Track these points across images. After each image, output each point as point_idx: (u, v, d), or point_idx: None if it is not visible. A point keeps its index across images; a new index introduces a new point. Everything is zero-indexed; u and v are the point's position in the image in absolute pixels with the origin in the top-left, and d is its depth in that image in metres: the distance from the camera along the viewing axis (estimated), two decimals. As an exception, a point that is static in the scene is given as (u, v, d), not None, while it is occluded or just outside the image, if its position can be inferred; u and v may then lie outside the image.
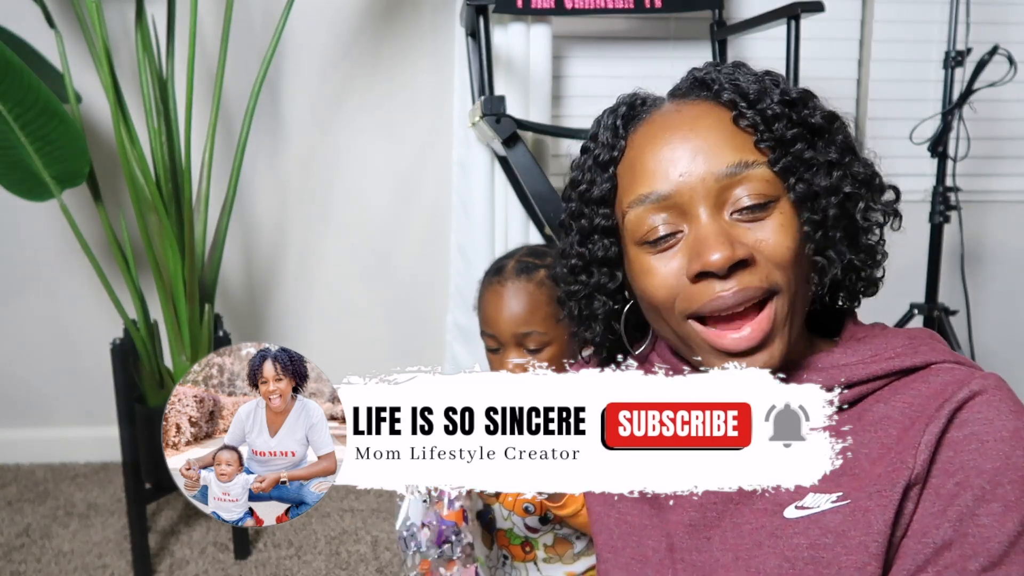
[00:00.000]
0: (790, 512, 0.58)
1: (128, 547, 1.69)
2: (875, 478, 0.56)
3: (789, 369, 0.62)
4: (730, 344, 0.58)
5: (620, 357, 0.76)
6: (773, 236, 0.58)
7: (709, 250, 0.56)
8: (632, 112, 0.66)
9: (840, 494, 0.57)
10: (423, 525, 0.85)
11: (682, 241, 0.60)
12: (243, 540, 1.67)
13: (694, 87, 0.64)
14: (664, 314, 0.62)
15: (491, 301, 1.11)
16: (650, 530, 0.67)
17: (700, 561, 0.62)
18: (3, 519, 1.86)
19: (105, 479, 2.09)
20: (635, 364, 0.76)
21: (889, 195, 0.64)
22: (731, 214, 0.59)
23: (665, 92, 0.67)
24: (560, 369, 1.17)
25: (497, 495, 1.02)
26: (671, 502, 0.65)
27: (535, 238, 1.99)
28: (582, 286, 0.70)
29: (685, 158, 0.59)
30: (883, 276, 0.66)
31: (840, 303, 0.68)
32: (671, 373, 0.70)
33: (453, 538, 0.85)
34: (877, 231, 0.63)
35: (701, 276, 0.58)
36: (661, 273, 0.61)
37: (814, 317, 0.68)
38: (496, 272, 1.13)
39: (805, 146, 0.60)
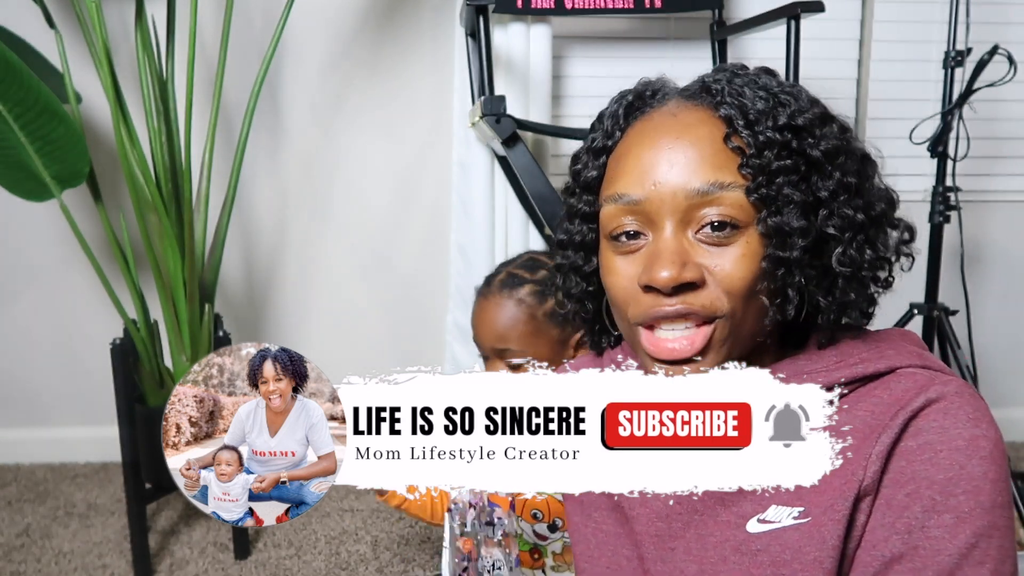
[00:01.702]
0: (753, 526, 0.58)
1: (128, 547, 1.69)
2: (832, 492, 0.55)
3: None
4: (664, 353, 0.59)
5: (620, 357, 0.76)
6: (730, 264, 0.57)
7: (659, 266, 0.57)
8: (639, 102, 0.66)
9: (802, 509, 0.56)
10: (471, 505, 0.86)
11: (644, 248, 0.60)
12: (243, 540, 1.67)
13: (700, 91, 0.63)
14: (620, 313, 0.63)
15: (476, 313, 1.13)
16: (623, 539, 0.67)
17: (666, 572, 0.62)
18: (3, 519, 1.86)
19: (105, 479, 2.09)
20: (628, 360, 0.77)
21: (898, 235, 0.62)
22: (695, 232, 0.58)
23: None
24: (560, 370, 1.17)
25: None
26: (636, 512, 0.65)
27: (535, 238, 1.99)
28: (564, 261, 0.71)
29: (663, 167, 0.58)
30: (873, 311, 0.64)
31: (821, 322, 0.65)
32: (668, 373, 0.70)
33: (496, 521, 0.86)
34: (866, 279, 0.61)
35: (649, 289, 0.58)
36: (620, 274, 0.61)
37: (788, 335, 0.67)
38: (486, 282, 1.15)
39: (790, 178, 0.58)
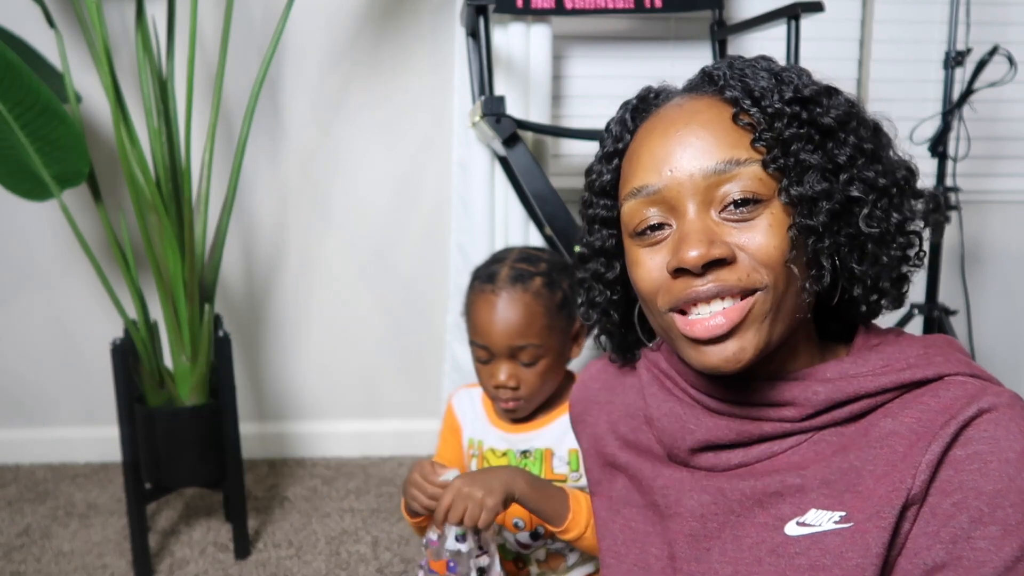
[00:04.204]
0: (791, 529, 0.58)
1: (128, 547, 1.69)
2: (877, 498, 0.54)
3: (797, 378, 0.61)
4: (699, 331, 0.57)
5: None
6: (760, 236, 0.57)
7: (687, 247, 0.56)
8: (643, 105, 0.66)
9: (843, 514, 0.56)
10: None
11: (669, 236, 0.60)
12: (243, 540, 1.67)
13: (703, 82, 0.64)
14: (650, 306, 0.62)
15: (483, 311, 1.07)
16: (653, 537, 0.67)
17: (699, 571, 0.62)
18: (3, 519, 1.86)
19: (105, 479, 2.09)
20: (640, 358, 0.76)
21: (921, 203, 0.62)
22: (719, 212, 0.58)
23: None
24: (554, 379, 1.17)
25: None
26: (672, 511, 0.65)
27: (535, 238, 1.99)
28: (586, 274, 0.71)
29: (676, 153, 0.59)
30: (906, 290, 0.63)
31: (859, 313, 0.65)
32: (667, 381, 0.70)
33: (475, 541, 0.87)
34: (898, 241, 0.60)
35: (679, 272, 0.58)
36: (647, 266, 0.61)
37: (827, 325, 0.67)
38: (488, 279, 1.09)
39: (805, 146, 0.58)
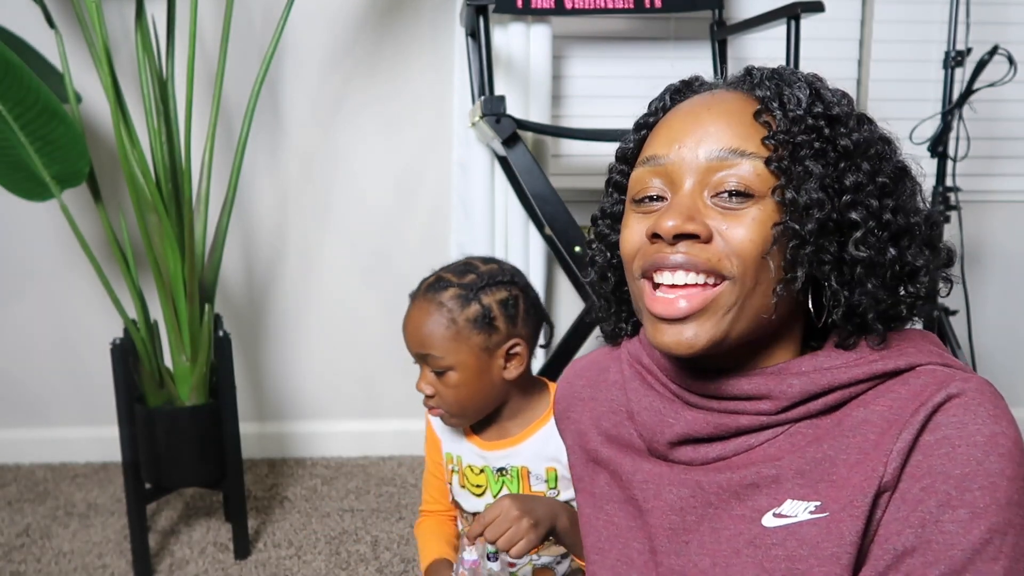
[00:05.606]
0: (768, 520, 0.58)
1: (128, 547, 1.69)
2: (851, 487, 0.55)
3: (773, 372, 0.61)
4: (660, 308, 0.59)
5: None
6: (742, 229, 0.58)
7: (667, 216, 0.58)
8: (684, 88, 0.69)
9: (818, 503, 0.56)
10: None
11: (661, 208, 0.62)
12: (243, 540, 1.67)
13: (741, 79, 0.66)
14: (629, 270, 0.64)
15: (405, 316, 1.09)
16: (635, 532, 0.68)
17: (679, 565, 0.62)
18: (3, 519, 1.86)
19: (105, 479, 2.09)
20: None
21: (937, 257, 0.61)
22: (712, 196, 0.59)
23: (664, 92, 0.70)
24: (473, 394, 1.16)
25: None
26: (651, 505, 0.66)
27: (535, 238, 1.99)
28: (593, 235, 0.75)
29: (690, 132, 0.61)
30: (896, 327, 0.62)
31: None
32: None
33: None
34: (892, 282, 0.60)
35: (656, 238, 0.60)
36: (634, 229, 0.63)
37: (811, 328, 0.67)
38: (418, 286, 1.11)
39: (812, 155, 0.58)
